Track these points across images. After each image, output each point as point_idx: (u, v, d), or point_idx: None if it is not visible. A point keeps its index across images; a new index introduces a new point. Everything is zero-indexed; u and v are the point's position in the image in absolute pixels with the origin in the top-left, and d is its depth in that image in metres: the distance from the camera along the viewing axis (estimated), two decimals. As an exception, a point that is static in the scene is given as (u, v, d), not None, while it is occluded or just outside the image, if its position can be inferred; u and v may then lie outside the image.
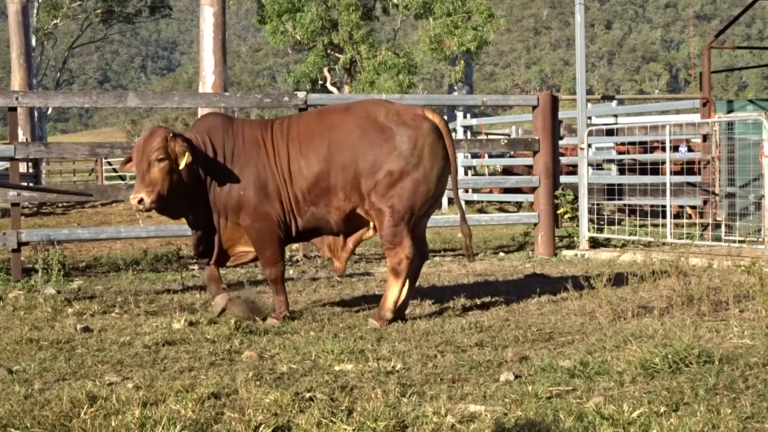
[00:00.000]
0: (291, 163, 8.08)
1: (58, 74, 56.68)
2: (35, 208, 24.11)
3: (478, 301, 9.09)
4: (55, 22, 50.95)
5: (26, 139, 32.94)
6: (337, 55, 35.60)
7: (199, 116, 8.20)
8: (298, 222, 8.20)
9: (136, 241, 15.01)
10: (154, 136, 7.85)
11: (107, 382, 5.75)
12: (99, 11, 52.80)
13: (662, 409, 4.85)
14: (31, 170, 28.71)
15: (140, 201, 7.72)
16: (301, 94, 12.80)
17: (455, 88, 36.45)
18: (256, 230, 8.11)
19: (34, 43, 42.03)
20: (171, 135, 7.84)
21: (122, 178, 42.93)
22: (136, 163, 7.84)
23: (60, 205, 25.30)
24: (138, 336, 7.37)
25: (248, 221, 8.08)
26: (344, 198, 8.02)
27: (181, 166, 7.80)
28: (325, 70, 36.29)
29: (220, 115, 8.43)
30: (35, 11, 47.35)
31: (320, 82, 36.59)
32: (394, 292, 7.99)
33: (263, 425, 4.77)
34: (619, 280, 9.41)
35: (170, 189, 7.85)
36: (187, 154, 7.77)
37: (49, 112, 45.62)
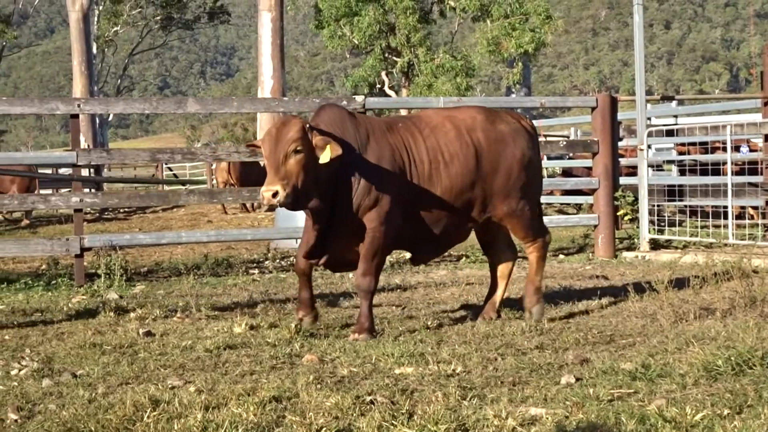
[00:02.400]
0: (432, 169, 7.83)
1: (119, 81, 57.27)
2: (97, 214, 24.37)
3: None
4: (115, 29, 51.53)
5: (88, 146, 33.33)
6: (394, 58, 35.65)
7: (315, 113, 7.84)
8: (411, 231, 7.94)
9: (196, 245, 15.11)
10: (290, 125, 7.34)
11: (169, 385, 5.79)
12: (158, 18, 53.31)
13: (725, 412, 4.81)
14: (93, 176, 28.97)
15: (275, 194, 7.13)
16: (359, 98, 12.82)
17: (513, 90, 36.36)
18: (379, 234, 7.64)
19: (95, 50, 42.56)
20: (308, 126, 7.42)
21: (183, 183, 43.22)
22: (269, 153, 7.26)
23: (121, 210, 25.55)
24: (199, 340, 7.42)
25: (375, 223, 7.63)
26: (481, 207, 8.07)
27: (325, 159, 7.31)
28: (383, 73, 36.36)
29: (340, 107, 7.94)
30: (96, 19, 47.92)
31: (378, 85, 36.66)
32: (541, 275, 8.45)
33: (324, 428, 4.78)
34: (680, 281, 9.34)
35: (305, 183, 7.32)
36: (330, 147, 7.28)
37: (110, 118, 46.09)
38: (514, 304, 8.79)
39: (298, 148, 7.21)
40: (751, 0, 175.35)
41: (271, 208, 22.09)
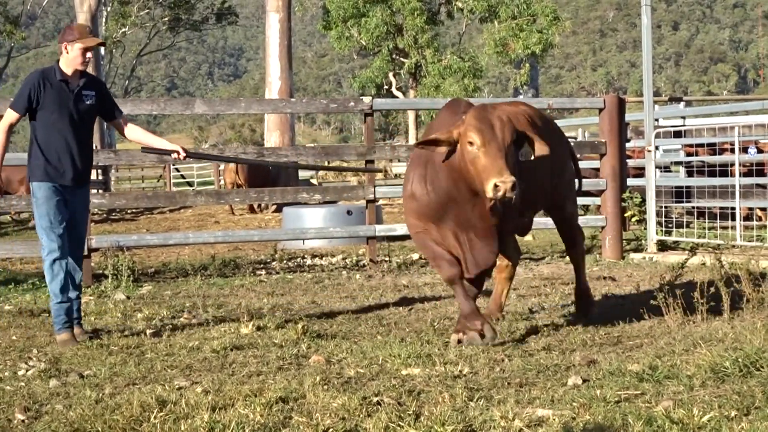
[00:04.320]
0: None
1: (127, 82, 57.34)
2: (105, 215, 24.40)
3: (546, 305, 9.06)
4: (123, 30, 51.60)
5: (96, 147, 33.35)
6: (402, 59, 35.67)
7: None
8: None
9: (203, 246, 15.12)
10: (519, 113, 7.02)
11: (176, 386, 5.80)
12: (166, 19, 53.37)
13: (733, 414, 4.80)
14: (100, 177, 29.00)
15: (513, 187, 6.35)
16: (366, 99, 12.82)
17: (520, 91, 36.37)
18: (575, 219, 8.28)
19: (102, 51, 42.54)
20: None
21: (190, 184, 43.27)
22: (499, 140, 6.55)
23: (129, 211, 25.57)
24: (206, 341, 7.43)
25: (571, 209, 8.36)
26: (544, 201, 8.13)
27: (540, 154, 6.88)
28: (390, 74, 36.39)
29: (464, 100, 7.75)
30: (104, 20, 47.95)
31: (385, 87, 36.68)
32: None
33: (331, 429, 4.78)
34: (687, 283, 9.32)
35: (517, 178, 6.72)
36: (539, 144, 6.87)
37: (118, 119, 46.03)
38: (519, 303, 8.79)
39: (515, 139, 6.77)
40: (760, 1, 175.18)
41: (279, 209, 22.10)
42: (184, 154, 8.24)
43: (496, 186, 6.33)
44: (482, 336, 7.02)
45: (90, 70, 36.55)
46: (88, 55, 7.72)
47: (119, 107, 8.24)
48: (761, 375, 5.62)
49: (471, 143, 6.57)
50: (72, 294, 7.74)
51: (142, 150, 8.66)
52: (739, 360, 5.78)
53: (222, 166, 29.72)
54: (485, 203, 6.70)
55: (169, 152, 8.26)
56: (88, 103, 7.77)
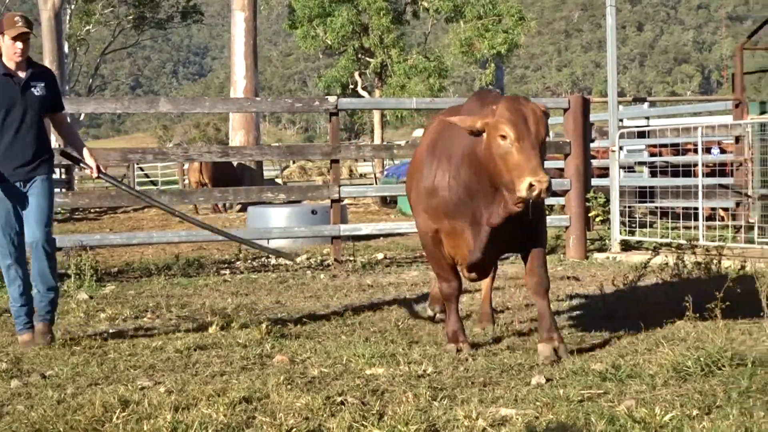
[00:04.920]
0: None
1: (90, 80, 56.97)
2: (68, 214, 24.25)
3: (509, 305, 9.08)
4: (87, 28, 51.25)
5: (59, 146, 33.16)
6: (367, 59, 35.62)
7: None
8: None
9: (167, 246, 15.05)
10: (539, 107, 6.51)
11: (139, 386, 5.77)
12: (131, 17, 53.03)
13: (694, 413, 4.83)
14: (64, 176, 28.83)
15: (549, 187, 6.07)
16: (332, 99, 12.80)
17: (486, 91, 36.38)
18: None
19: (66, 49, 42.34)
20: None
21: (154, 183, 43.08)
22: (533, 135, 6.24)
23: (92, 210, 25.44)
24: (170, 341, 7.40)
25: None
26: None
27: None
28: (356, 74, 36.34)
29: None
30: (68, 18, 47.66)
31: (351, 86, 36.64)
32: None
33: (294, 429, 4.78)
34: (650, 282, 9.37)
35: None
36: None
37: (82, 118, 45.81)
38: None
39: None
40: (724, 2, 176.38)
41: (243, 208, 22.06)
42: (96, 175, 8.10)
43: (531, 186, 5.99)
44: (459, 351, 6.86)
45: (54, 68, 36.01)
46: (18, 44, 7.53)
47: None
48: (723, 374, 5.66)
49: (503, 137, 6.18)
50: (38, 292, 7.64)
51: (61, 153, 8.57)
52: (701, 359, 5.82)
53: (186, 165, 29.60)
54: (506, 198, 6.35)
55: (82, 164, 8.14)
56: (37, 94, 7.62)
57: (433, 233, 6.97)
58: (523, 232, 6.71)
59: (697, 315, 7.05)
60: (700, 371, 5.71)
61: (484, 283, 8.08)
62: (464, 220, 6.73)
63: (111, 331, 7.87)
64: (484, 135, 6.34)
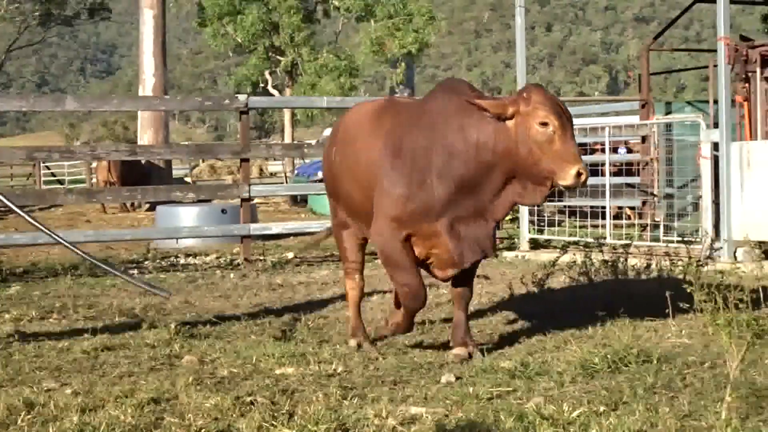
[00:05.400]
0: None
1: (-5, 78, 56.08)
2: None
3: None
4: (-8, 24, 50.44)
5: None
6: (278, 57, 35.57)
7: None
8: None
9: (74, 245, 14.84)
10: None
11: (45, 388, 5.68)
12: (37, 14, 52.31)
13: (601, 409, 4.88)
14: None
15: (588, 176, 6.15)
16: (242, 97, 12.75)
17: (397, 90, 36.52)
18: None
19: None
20: None
21: (61, 182, 42.50)
22: (571, 124, 6.25)
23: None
24: (76, 341, 7.30)
25: None
26: None
27: None
28: (267, 72, 36.27)
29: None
30: (-28, 14, 46.88)
31: (261, 85, 36.55)
32: None
33: (204, 430, 4.74)
34: (558, 280, 9.46)
35: None
36: None
37: (-13, 115, 45.08)
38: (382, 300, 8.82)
39: None
40: (630, 4, 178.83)
41: (152, 207, 21.86)
42: None
43: (579, 173, 6.02)
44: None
45: (-43, 65, 35.21)
46: None
47: None
48: (629, 371, 5.73)
49: (544, 124, 6.06)
50: None
51: None
52: (608, 356, 5.89)
53: (94, 164, 29.26)
54: (508, 189, 6.29)
55: None
56: None
57: (402, 240, 6.45)
58: None
59: (604, 313, 7.12)
60: (607, 368, 5.78)
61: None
62: (449, 218, 6.37)
63: (16, 332, 7.73)
64: (509, 123, 6.18)
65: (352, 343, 6.99)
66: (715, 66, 12.94)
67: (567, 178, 6.03)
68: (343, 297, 9.33)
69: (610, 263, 9.17)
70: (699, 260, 9.16)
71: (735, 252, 11.54)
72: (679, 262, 9.00)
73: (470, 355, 6.49)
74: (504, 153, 6.20)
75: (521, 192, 6.33)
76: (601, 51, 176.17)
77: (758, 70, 13.23)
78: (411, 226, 6.40)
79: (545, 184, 6.22)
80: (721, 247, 11.56)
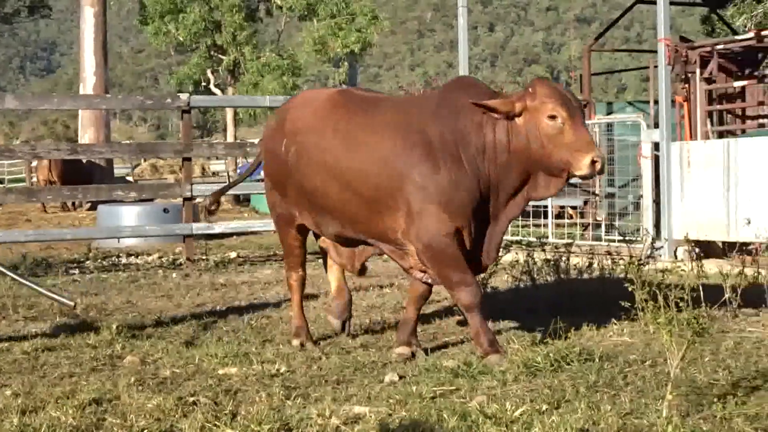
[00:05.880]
0: None
1: (-68, 76, 55.42)
2: None
3: (364, 304, 9.10)
4: (-73, 22, 49.80)
5: None
6: (220, 56, 35.39)
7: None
8: None
9: (14, 245, 14.69)
10: None
11: (-16, 389, 5.62)
12: (-25, 11, 51.67)
13: (544, 407, 4.91)
14: None
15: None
16: (183, 96, 12.69)
17: (339, 89, 36.46)
18: None
19: None
20: None
21: (0, 181, 42.04)
22: (580, 113, 6.22)
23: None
24: (17, 342, 7.23)
25: None
26: None
27: None
28: (209, 71, 36.08)
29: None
30: None
31: (203, 83, 36.36)
32: None
33: (146, 430, 4.71)
34: (501, 279, 9.49)
35: None
36: None
37: (-76, 114, 44.51)
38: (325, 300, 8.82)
39: None
40: (572, 5, 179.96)
41: (93, 207, 21.66)
42: None
43: (593, 161, 5.99)
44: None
45: None
46: None
47: None
48: (571, 369, 5.77)
49: (553, 117, 6.06)
50: None
51: None
52: (551, 355, 5.92)
53: (35, 163, 28.96)
54: (527, 187, 6.31)
55: None
56: None
57: (453, 233, 6.26)
58: None
59: (547, 312, 7.16)
60: (550, 367, 5.81)
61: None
62: (479, 216, 6.37)
63: (-45, 333, 7.65)
64: (518, 120, 6.18)
65: (296, 342, 6.99)
66: (656, 67, 13.07)
67: (582, 167, 6.03)
68: (286, 297, 9.32)
69: (552, 262, 9.21)
70: (640, 259, 9.22)
71: (675, 251, 11.65)
72: (621, 261, 9.06)
73: (413, 355, 6.51)
74: (518, 150, 6.22)
75: (534, 186, 6.34)
76: (543, 51, 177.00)
77: (698, 70, 13.37)
78: (461, 215, 6.26)
79: (561, 176, 6.22)
80: (662, 246, 11.66)
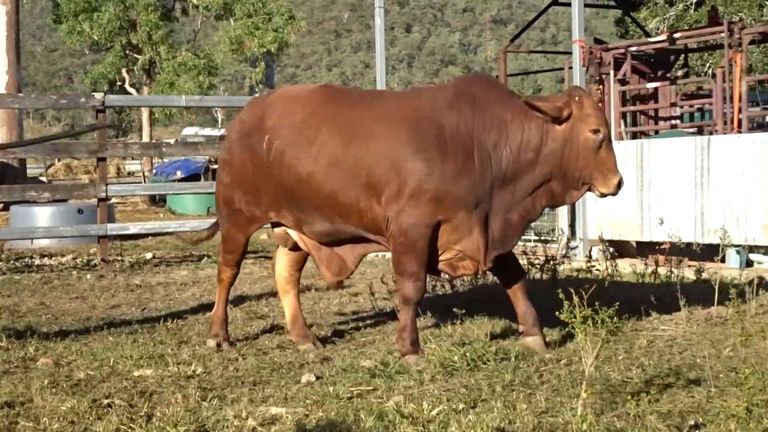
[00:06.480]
0: None
1: None
2: None
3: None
4: None
5: None
6: (135, 55, 35.10)
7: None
8: None
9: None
10: None
11: None
12: None
13: (461, 407, 4.93)
14: None
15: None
16: (98, 96, 12.56)
17: (256, 89, 36.35)
18: None
19: None
20: None
21: None
22: (610, 137, 6.39)
23: None
24: (-74, 345, 7.10)
25: None
26: None
27: None
28: (124, 71, 35.77)
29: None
30: None
31: (119, 83, 36.03)
32: None
33: (59, 434, 4.66)
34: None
35: None
36: None
37: None
38: (255, 304, 8.80)
39: None
40: (488, 6, 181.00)
41: (5, 207, 21.36)
42: None
43: (619, 183, 6.26)
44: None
45: None
46: None
47: None
48: (488, 368, 5.81)
49: (596, 131, 6.15)
50: None
51: None
52: (467, 355, 5.95)
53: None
54: (541, 188, 6.34)
55: None
56: None
57: (433, 226, 6.28)
58: None
59: (463, 311, 7.20)
60: (467, 366, 5.84)
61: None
62: (485, 211, 6.34)
63: None
64: (558, 125, 6.21)
65: (212, 343, 6.95)
66: (571, 68, 13.22)
67: (610, 186, 6.24)
68: (202, 298, 9.28)
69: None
70: (555, 259, 9.32)
71: (590, 251, 11.78)
72: (536, 261, 9.13)
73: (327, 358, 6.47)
74: (549, 154, 6.25)
75: (553, 192, 6.39)
76: (459, 52, 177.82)
77: (612, 72, 13.55)
78: (449, 210, 6.26)
79: (580, 188, 6.35)
80: (577, 246, 11.78)
